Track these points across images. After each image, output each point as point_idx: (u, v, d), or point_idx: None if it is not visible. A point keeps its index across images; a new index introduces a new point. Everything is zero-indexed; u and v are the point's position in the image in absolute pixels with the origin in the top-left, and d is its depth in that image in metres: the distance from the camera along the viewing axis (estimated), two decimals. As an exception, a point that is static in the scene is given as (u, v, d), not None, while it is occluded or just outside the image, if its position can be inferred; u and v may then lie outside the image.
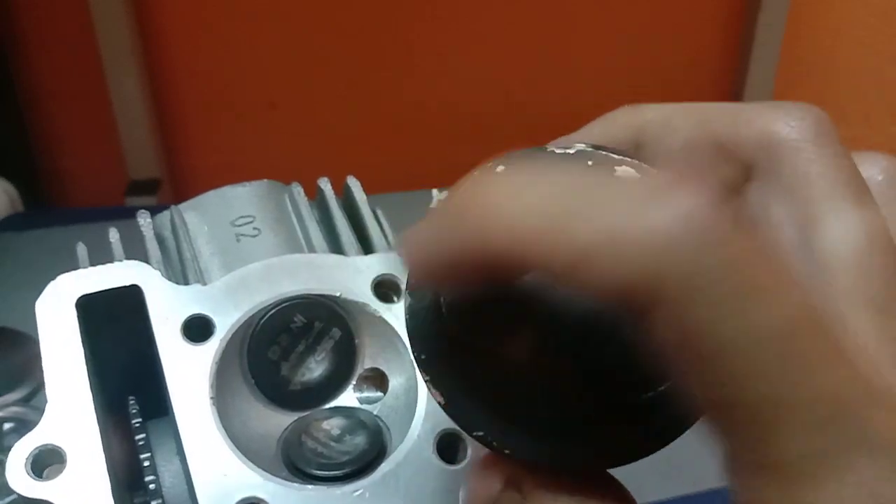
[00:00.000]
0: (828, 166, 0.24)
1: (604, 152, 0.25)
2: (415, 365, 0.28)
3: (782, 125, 0.25)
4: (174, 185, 1.74)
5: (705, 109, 0.27)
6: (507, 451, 0.27)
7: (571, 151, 0.25)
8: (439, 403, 0.28)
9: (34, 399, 0.81)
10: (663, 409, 0.25)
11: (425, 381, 0.28)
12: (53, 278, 0.38)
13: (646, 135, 0.27)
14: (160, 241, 0.42)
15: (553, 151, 0.26)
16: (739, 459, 0.21)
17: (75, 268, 0.39)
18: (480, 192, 0.22)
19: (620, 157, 0.25)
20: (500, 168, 0.25)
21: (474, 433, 0.27)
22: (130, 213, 0.43)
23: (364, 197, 0.45)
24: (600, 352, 0.25)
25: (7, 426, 0.80)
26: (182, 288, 0.38)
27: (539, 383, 0.26)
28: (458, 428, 0.36)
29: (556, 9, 1.67)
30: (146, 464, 0.36)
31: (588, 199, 0.20)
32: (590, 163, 0.25)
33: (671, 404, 0.25)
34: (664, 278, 0.19)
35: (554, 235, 0.20)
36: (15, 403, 0.80)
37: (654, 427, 0.26)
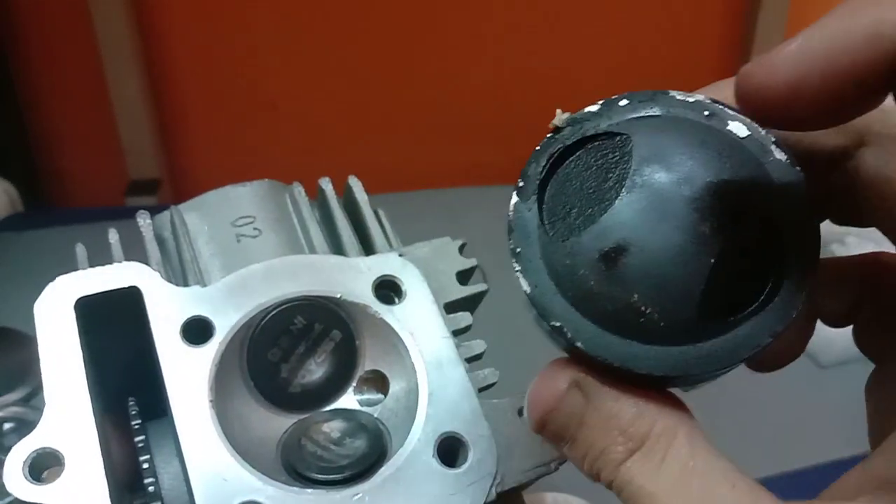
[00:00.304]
0: None
1: (721, 106, 0.29)
2: (511, 257, 0.29)
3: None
4: (174, 185, 1.74)
5: None
6: (578, 344, 0.28)
7: (691, 100, 0.29)
8: (525, 293, 0.29)
9: (34, 399, 0.81)
10: (741, 330, 0.27)
11: (516, 272, 0.29)
12: (53, 279, 0.37)
13: None
14: (160, 241, 0.42)
15: (674, 97, 0.29)
16: None
17: (75, 268, 0.39)
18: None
19: (734, 112, 0.28)
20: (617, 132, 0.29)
21: (552, 322, 0.28)
22: (130, 214, 0.43)
23: (365, 197, 0.45)
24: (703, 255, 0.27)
25: (7, 426, 0.79)
26: (181, 289, 0.38)
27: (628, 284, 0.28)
28: (458, 431, 0.36)
29: (556, 9, 1.67)
30: (145, 466, 0.35)
31: None
32: (706, 112, 0.29)
33: (752, 327, 0.27)
34: None
35: None
36: (15, 403, 0.80)
37: (728, 347, 0.27)
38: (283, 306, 0.38)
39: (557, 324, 0.28)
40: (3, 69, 1.62)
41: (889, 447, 0.24)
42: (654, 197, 0.28)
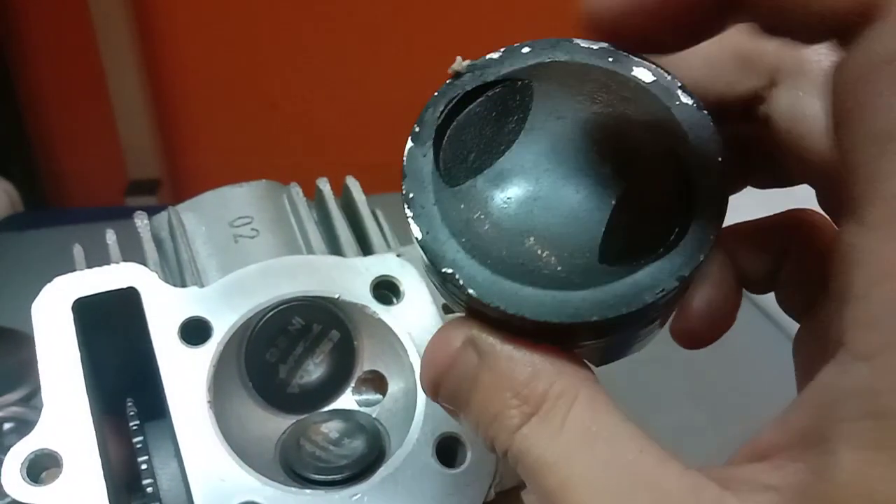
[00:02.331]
0: None
1: (625, 53, 0.28)
2: (405, 205, 0.27)
3: None
4: (174, 185, 1.74)
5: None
6: (470, 291, 0.26)
7: (595, 47, 0.28)
8: (416, 240, 0.27)
9: (34, 399, 0.81)
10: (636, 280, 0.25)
11: (408, 219, 0.27)
12: (52, 279, 0.37)
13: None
14: (158, 242, 0.42)
15: (578, 44, 0.28)
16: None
17: (73, 269, 0.39)
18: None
19: (639, 58, 0.28)
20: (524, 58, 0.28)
21: (443, 269, 0.26)
22: (130, 214, 0.43)
23: (363, 197, 0.45)
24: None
25: (7, 426, 0.79)
26: (179, 290, 0.38)
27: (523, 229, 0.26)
28: (456, 431, 0.36)
29: (556, 9, 1.67)
30: (144, 467, 0.35)
31: None
32: (610, 59, 0.28)
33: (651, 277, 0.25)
34: None
35: None
36: (15, 403, 0.80)
37: (630, 292, 0.25)
38: (281, 307, 0.38)
39: (449, 271, 0.26)
40: (3, 69, 1.62)
41: (804, 398, 0.22)
42: (553, 139, 0.27)
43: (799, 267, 0.32)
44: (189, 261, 0.41)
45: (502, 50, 0.29)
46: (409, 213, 0.27)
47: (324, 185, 0.45)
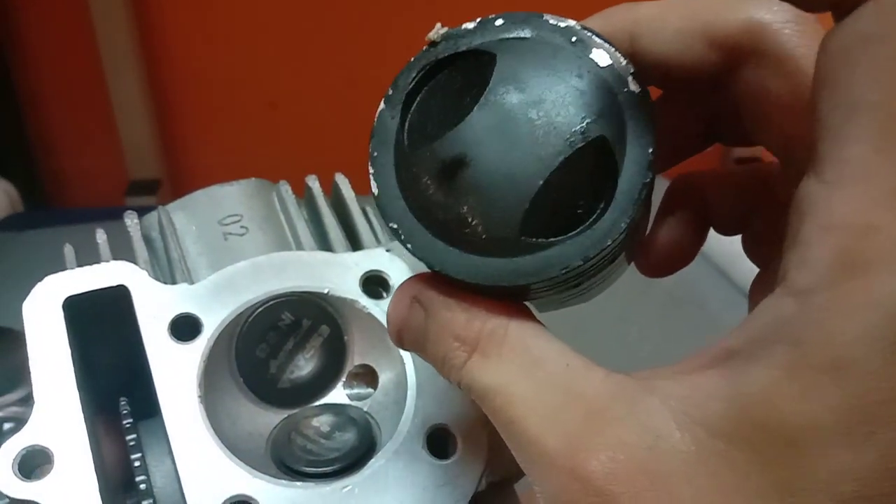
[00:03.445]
0: (810, 40, 0.28)
1: (589, 33, 0.29)
2: (370, 172, 0.30)
3: (765, 11, 0.28)
4: (174, 185, 1.74)
5: (694, 2, 0.30)
6: (408, 246, 0.29)
7: (562, 25, 0.30)
8: (373, 195, 0.30)
9: (33, 399, 0.81)
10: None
11: (370, 175, 0.30)
12: (43, 279, 0.38)
13: (640, 27, 0.30)
14: (148, 241, 0.42)
15: (547, 20, 0.30)
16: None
17: (66, 269, 0.39)
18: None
19: (601, 41, 0.29)
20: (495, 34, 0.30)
21: (390, 224, 0.29)
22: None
23: (352, 194, 0.45)
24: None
25: (6, 426, 0.80)
26: (169, 287, 0.38)
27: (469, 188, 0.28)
28: (446, 422, 0.36)
29: (556, 9, 1.66)
30: (137, 464, 0.36)
31: None
32: (573, 39, 0.29)
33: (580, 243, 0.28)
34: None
35: None
36: (14, 403, 0.80)
37: (539, 265, 0.28)
38: (271, 302, 0.39)
39: (394, 225, 0.29)
40: (3, 69, 1.62)
41: (738, 327, 0.25)
42: (502, 115, 0.29)
43: (768, 217, 0.34)
44: (179, 259, 0.41)
45: (477, 21, 0.31)
46: (371, 169, 0.30)
47: (313, 182, 0.45)
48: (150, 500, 0.35)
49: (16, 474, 0.32)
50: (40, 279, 0.38)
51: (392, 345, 0.38)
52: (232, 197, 0.44)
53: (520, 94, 0.29)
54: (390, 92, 0.31)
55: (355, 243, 0.44)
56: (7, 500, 0.33)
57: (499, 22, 0.30)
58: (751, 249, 0.36)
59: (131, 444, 0.36)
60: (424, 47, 0.31)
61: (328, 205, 0.44)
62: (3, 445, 0.33)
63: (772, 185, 0.34)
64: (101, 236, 0.41)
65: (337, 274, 0.40)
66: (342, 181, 0.45)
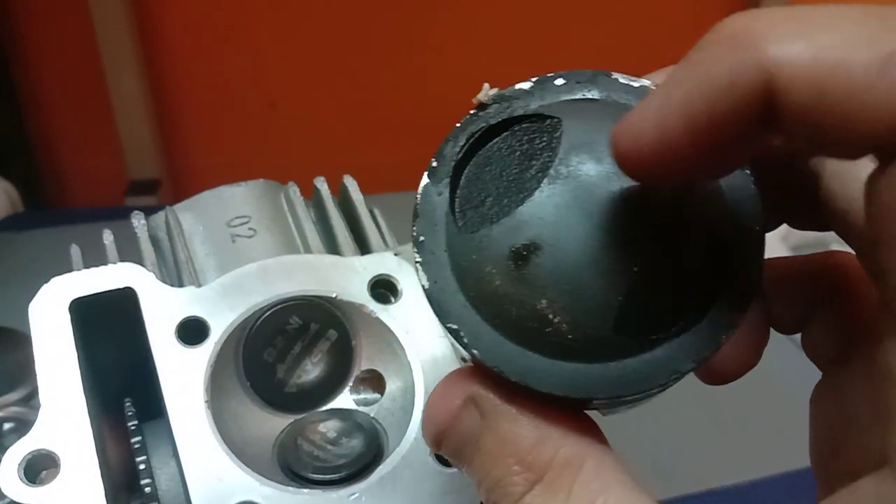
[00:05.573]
0: None
1: None
2: (413, 246, 0.26)
3: None
4: (174, 185, 1.74)
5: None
6: (474, 352, 0.24)
7: (635, 85, 0.26)
8: (423, 288, 0.25)
9: (34, 399, 0.81)
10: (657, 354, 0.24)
11: (416, 264, 0.26)
12: (50, 279, 0.37)
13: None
14: (155, 242, 0.42)
15: (617, 79, 0.27)
16: None
17: (71, 269, 0.39)
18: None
19: None
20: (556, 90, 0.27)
21: (448, 324, 0.25)
22: (130, 214, 0.43)
23: (361, 196, 0.45)
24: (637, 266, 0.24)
25: (7, 426, 0.79)
26: (176, 290, 0.38)
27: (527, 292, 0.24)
28: None
29: (556, 8, 1.67)
30: (142, 467, 0.35)
31: None
32: None
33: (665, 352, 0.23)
34: None
35: None
36: (15, 403, 0.80)
37: (643, 371, 0.24)
38: (279, 306, 0.38)
39: (454, 326, 0.25)
40: (3, 69, 1.62)
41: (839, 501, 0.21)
42: (578, 191, 0.25)
43: (832, 313, 0.30)
44: (186, 260, 0.41)
45: (534, 80, 0.27)
46: (417, 258, 0.26)
47: (321, 184, 0.45)
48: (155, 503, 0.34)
49: (22, 479, 0.32)
50: (41, 279, 0.37)
51: (399, 350, 0.38)
52: (240, 198, 0.43)
53: (597, 165, 0.25)
54: (434, 164, 0.26)
55: (363, 246, 0.43)
56: (7, 501, 0.32)
57: (559, 81, 0.27)
58: (811, 348, 0.31)
59: (136, 446, 0.36)
60: (472, 111, 0.27)
61: (336, 207, 0.44)
62: (10, 449, 0.32)
63: (841, 276, 0.30)
64: (107, 237, 0.41)
65: (345, 278, 0.39)
66: (350, 183, 0.45)
